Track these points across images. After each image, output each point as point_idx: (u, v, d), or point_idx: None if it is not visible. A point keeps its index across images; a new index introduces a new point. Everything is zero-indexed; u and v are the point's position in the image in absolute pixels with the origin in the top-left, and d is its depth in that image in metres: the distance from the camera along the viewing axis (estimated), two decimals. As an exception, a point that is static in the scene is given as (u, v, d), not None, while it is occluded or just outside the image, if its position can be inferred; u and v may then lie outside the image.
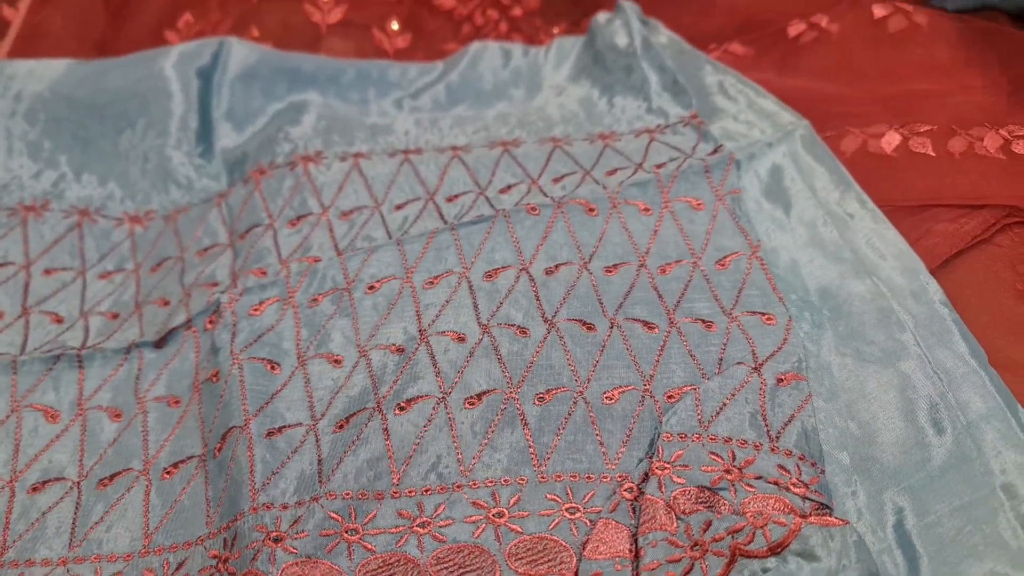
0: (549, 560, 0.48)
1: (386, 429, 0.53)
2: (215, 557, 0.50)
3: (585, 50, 0.82)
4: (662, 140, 0.72)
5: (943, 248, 0.62)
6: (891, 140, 0.69)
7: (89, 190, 0.75)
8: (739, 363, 0.55)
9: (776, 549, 0.45)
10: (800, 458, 0.51)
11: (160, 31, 0.87)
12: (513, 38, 0.86)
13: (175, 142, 0.76)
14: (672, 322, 0.58)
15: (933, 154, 0.67)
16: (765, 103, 0.73)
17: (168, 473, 0.55)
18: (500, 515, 0.50)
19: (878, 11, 0.79)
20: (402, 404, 0.54)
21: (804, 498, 0.49)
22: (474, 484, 0.51)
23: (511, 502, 0.50)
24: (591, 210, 0.65)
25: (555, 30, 0.87)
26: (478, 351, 0.57)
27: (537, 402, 0.54)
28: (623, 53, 0.79)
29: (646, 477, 0.50)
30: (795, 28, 0.81)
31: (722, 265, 0.61)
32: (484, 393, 0.55)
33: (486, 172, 0.71)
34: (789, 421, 0.53)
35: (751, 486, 0.49)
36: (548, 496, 0.50)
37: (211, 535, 0.51)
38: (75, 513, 0.54)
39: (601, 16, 0.82)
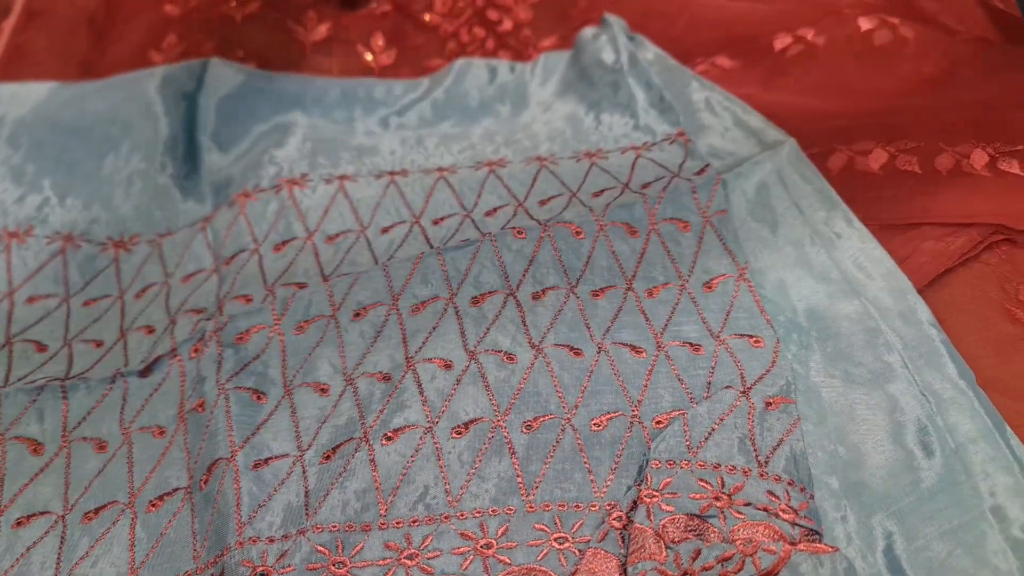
0: (538, 591, 0.47)
1: (373, 460, 0.53)
2: (202, 593, 0.50)
3: (571, 66, 0.81)
4: (648, 157, 0.71)
5: (930, 267, 0.62)
6: (878, 157, 0.68)
7: (73, 214, 0.75)
8: (727, 387, 0.55)
9: (766, 578, 0.45)
10: (789, 483, 0.51)
11: (145, 52, 0.86)
12: (500, 55, 0.85)
13: (160, 165, 0.76)
14: (660, 346, 0.58)
15: (920, 171, 0.67)
16: (751, 120, 0.73)
17: (153, 506, 0.55)
18: (488, 546, 0.49)
19: (864, 24, 0.79)
20: (389, 434, 0.54)
21: (794, 524, 0.48)
22: (462, 515, 0.51)
23: (499, 533, 0.50)
24: (578, 232, 0.64)
25: (544, 43, 0.87)
26: (465, 378, 0.56)
27: (525, 430, 0.54)
28: (610, 69, 0.78)
29: (635, 505, 0.50)
30: (781, 41, 0.81)
31: (709, 288, 0.61)
32: (471, 422, 0.54)
33: (472, 194, 0.71)
34: (778, 446, 0.52)
35: (740, 513, 0.49)
36: (536, 526, 0.50)
37: (198, 570, 0.51)
38: (60, 548, 0.53)
39: (588, 31, 0.82)
